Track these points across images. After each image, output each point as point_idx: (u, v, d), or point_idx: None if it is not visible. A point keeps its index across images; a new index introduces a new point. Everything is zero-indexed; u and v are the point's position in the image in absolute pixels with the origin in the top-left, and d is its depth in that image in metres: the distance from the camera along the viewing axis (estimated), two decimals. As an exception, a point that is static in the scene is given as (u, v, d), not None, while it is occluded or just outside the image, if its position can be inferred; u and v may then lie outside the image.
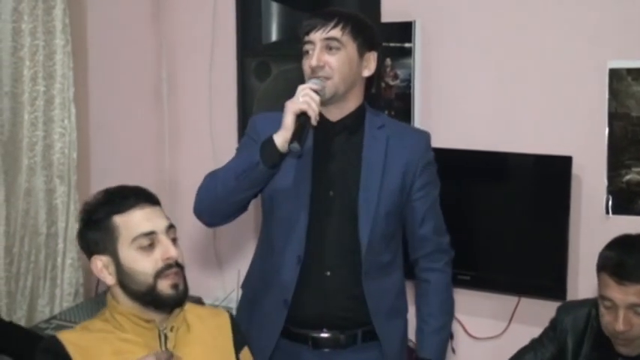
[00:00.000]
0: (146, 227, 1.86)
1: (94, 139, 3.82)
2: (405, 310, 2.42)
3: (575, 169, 2.89)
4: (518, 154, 3.01)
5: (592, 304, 2.26)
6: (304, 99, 2.08)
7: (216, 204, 2.20)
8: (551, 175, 2.95)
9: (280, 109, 2.12)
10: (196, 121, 3.76)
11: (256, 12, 3.09)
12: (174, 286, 1.86)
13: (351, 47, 2.20)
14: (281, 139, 2.06)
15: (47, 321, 3.28)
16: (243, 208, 2.27)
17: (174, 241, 1.90)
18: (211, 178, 2.24)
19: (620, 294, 2.08)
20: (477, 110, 3.15)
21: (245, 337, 2.11)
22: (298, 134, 2.05)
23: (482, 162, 3.08)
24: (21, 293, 3.40)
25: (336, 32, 2.18)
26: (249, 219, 3.71)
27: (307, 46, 2.21)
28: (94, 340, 1.85)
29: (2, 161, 3.26)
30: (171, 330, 1.92)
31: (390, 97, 3.25)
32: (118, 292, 1.89)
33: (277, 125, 2.10)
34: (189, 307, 2.00)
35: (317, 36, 2.19)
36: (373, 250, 2.26)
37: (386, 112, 3.28)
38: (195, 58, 3.74)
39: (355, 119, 2.28)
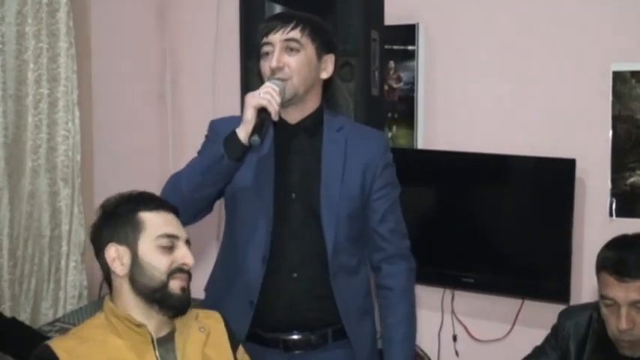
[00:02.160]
0: (170, 230, 1.92)
1: (98, 142, 3.82)
2: (373, 309, 2.42)
3: (579, 171, 2.89)
4: (521, 156, 3.01)
5: (593, 308, 2.26)
6: (265, 96, 2.09)
7: (183, 202, 2.17)
8: (555, 177, 2.95)
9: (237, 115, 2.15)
10: (200, 124, 3.74)
11: (260, 15, 3.08)
12: (183, 289, 1.91)
13: (310, 49, 2.21)
14: (243, 132, 2.08)
15: (51, 323, 3.29)
16: (208, 207, 2.28)
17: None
18: (175, 178, 2.26)
19: (622, 292, 2.07)
20: (480, 113, 3.15)
21: (237, 336, 2.12)
22: (258, 128, 2.07)
23: (486, 165, 3.08)
24: (25, 296, 3.40)
25: (295, 33, 2.19)
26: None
27: (266, 48, 2.22)
28: (88, 349, 1.85)
29: (6, 164, 3.26)
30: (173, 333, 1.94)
31: (393, 100, 3.26)
32: (124, 285, 1.90)
33: (235, 125, 2.13)
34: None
35: (276, 37, 2.19)
36: (338, 252, 2.26)
37: (389, 114, 3.28)
38: (198, 61, 3.74)
39: (314, 120, 2.29)
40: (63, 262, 3.52)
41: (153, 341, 1.89)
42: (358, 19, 2.81)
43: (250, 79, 3.10)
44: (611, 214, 2.92)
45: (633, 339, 2.09)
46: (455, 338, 3.21)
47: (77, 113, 3.51)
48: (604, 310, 2.14)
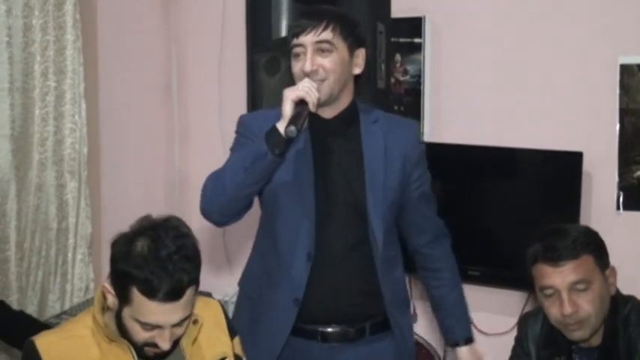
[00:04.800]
0: (154, 320, 1.81)
1: (105, 135, 3.83)
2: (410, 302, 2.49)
3: (586, 164, 2.88)
4: (528, 149, 3.01)
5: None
6: (304, 88, 2.10)
7: (226, 201, 2.19)
8: (562, 170, 2.94)
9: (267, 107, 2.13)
10: (206, 117, 3.77)
11: (266, 7, 3.08)
12: (158, 356, 1.88)
13: (342, 47, 2.20)
14: (283, 127, 2.07)
15: (58, 316, 3.30)
16: (249, 204, 2.27)
17: (181, 324, 1.87)
18: (216, 177, 2.22)
19: (559, 277, 2.09)
20: (486, 106, 3.14)
21: (234, 327, 2.13)
22: (295, 119, 2.06)
23: (492, 158, 3.08)
24: (32, 288, 3.42)
25: (327, 34, 2.18)
26: (258, 213, 3.72)
27: (298, 49, 2.20)
28: (72, 351, 1.87)
29: (13, 156, 3.27)
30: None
31: (399, 93, 3.25)
32: (113, 313, 1.90)
33: (267, 120, 2.13)
34: None
35: (308, 39, 2.18)
36: (386, 244, 2.28)
37: (395, 107, 3.28)
38: (204, 54, 3.74)
39: (348, 115, 2.29)
40: (70, 255, 3.54)
41: (130, 350, 1.89)
42: (364, 11, 2.80)
43: (256, 71, 3.10)
44: (618, 208, 2.91)
45: (580, 319, 2.09)
46: (461, 331, 3.21)
47: (84, 106, 3.52)
48: (545, 303, 2.15)
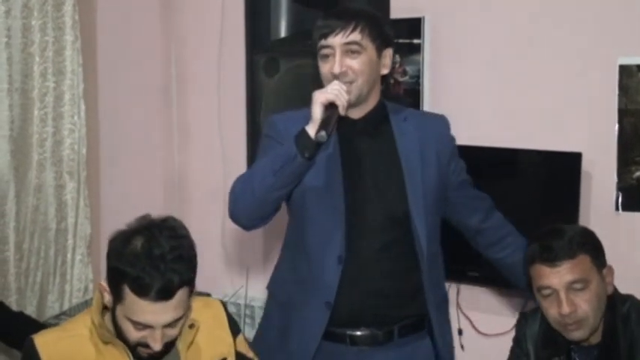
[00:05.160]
0: (145, 319, 1.81)
1: (104, 135, 3.83)
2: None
3: (585, 165, 2.88)
4: (527, 150, 3.01)
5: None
6: (333, 91, 2.09)
7: (254, 205, 2.17)
8: (561, 171, 2.94)
9: (294, 107, 2.12)
10: (205, 118, 3.76)
11: (265, 8, 3.09)
12: (151, 356, 1.87)
13: (370, 49, 2.20)
14: (313, 130, 2.07)
15: (57, 317, 3.30)
16: (278, 208, 2.25)
17: (174, 325, 1.86)
18: (244, 180, 2.20)
19: (556, 277, 2.10)
20: (485, 106, 3.14)
21: (238, 325, 2.12)
22: (325, 124, 2.05)
23: (492, 158, 3.07)
24: (31, 289, 3.41)
25: (355, 36, 2.17)
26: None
27: (326, 50, 2.19)
28: (71, 350, 1.88)
29: (12, 157, 3.27)
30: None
31: (398, 93, 3.25)
32: (108, 313, 1.91)
33: (297, 122, 2.12)
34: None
35: (336, 41, 2.17)
36: (430, 243, 2.28)
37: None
38: (204, 55, 3.74)
39: (376, 115, 2.29)
40: (69, 256, 3.54)
41: (126, 351, 1.89)
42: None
43: (255, 72, 3.10)
44: (617, 208, 2.91)
45: (578, 319, 2.10)
46: (460, 332, 3.20)
47: (83, 106, 3.52)
48: (543, 303, 2.16)
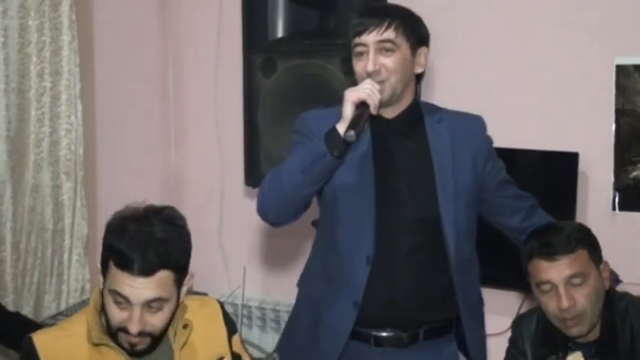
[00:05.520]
0: (124, 291, 1.82)
1: (101, 136, 3.83)
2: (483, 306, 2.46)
3: (582, 165, 2.88)
4: (524, 150, 3.01)
5: (540, 309, 2.30)
6: (366, 90, 2.07)
7: (283, 201, 2.16)
8: (558, 171, 2.95)
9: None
10: (202, 118, 3.76)
11: (262, 8, 3.08)
12: (132, 345, 1.87)
13: (404, 47, 2.18)
14: (343, 128, 2.05)
15: (54, 317, 3.30)
16: (307, 205, 2.24)
17: (151, 308, 1.85)
18: (274, 175, 2.18)
19: (555, 271, 2.12)
20: (482, 107, 3.12)
21: (235, 325, 2.12)
22: (355, 123, 2.03)
23: (489, 158, 3.08)
24: (27, 289, 3.41)
25: (389, 34, 2.16)
26: (254, 214, 3.71)
27: (360, 48, 2.18)
28: (68, 349, 1.89)
29: (9, 157, 3.27)
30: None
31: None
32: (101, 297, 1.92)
33: (328, 120, 2.10)
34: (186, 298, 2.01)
35: (370, 38, 2.15)
36: (460, 246, 2.25)
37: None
38: (201, 55, 3.74)
39: (410, 115, 2.27)
40: (66, 256, 3.53)
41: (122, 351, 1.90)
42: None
43: (252, 71, 3.10)
44: (614, 208, 2.92)
45: (577, 314, 2.12)
46: (457, 332, 3.21)
47: (80, 106, 3.52)
48: (542, 299, 2.17)
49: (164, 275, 1.83)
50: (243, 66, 3.15)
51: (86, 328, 1.91)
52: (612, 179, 2.90)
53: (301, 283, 2.44)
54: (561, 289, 2.11)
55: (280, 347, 2.51)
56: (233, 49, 3.44)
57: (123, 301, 1.82)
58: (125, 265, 1.80)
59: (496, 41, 3.09)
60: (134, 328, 1.82)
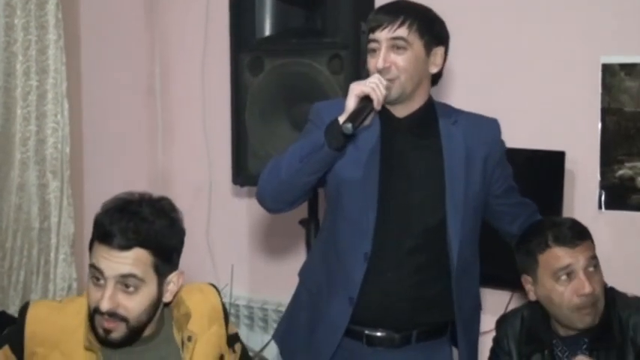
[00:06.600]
0: (99, 264, 1.81)
1: (87, 134, 3.81)
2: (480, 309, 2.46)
3: (569, 164, 2.89)
4: (510, 149, 3.00)
5: (524, 308, 2.33)
6: (371, 84, 2.05)
7: (280, 188, 2.16)
8: (545, 170, 2.96)
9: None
10: (189, 116, 3.76)
11: (250, 6, 3.07)
12: (105, 331, 1.83)
13: (417, 45, 2.16)
14: (343, 121, 2.03)
15: (40, 316, 3.28)
16: (305, 194, 2.23)
17: (126, 288, 1.82)
18: (275, 162, 2.18)
19: (574, 257, 2.14)
20: (469, 105, 3.13)
21: (227, 311, 2.12)
22: (355, 115, 2.02)
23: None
24: (14, 288, 3.39)
25: (402, 31, 2.14)
26: (242, 213, 3.71)
27: (373, 45, 2.17)
28: (56, 334, 1.87)
29: (-5, 156, 3.26)
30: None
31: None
32: None
33: (340, 111, 2.07)
34: (185, 290, 2.00)
35: (383, 35, 2.14)
36: (463, 252, 2.24)
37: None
38: (188, 53, 3.73)
39: (422, 115, 2.25)
40: (52, 255, 3.51)
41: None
42: (348, 11, 2.81)
43: (240, 70, 3.09)
44: (600, 207, 2.93)
45: (595, 300, 2.14)
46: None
47: (66, 105, 3.50)
48: (559, 288, 2.16)
49: (141, 253, 1.81)
50: (230, 64, 3.15)
51: (82, 316, 1.88)
52: (598, 178, 2.92)
53: (302, 274, 2.45)
54: (581, 275, 2.12)
55: (278, 335, 2.50)
56: (220, 48, 3.43)
57: (100, 276, 1.81)
58: (104, 239, 1.80)
59: (481, 41, 3.10)
60: (104, 305, 1.78)
